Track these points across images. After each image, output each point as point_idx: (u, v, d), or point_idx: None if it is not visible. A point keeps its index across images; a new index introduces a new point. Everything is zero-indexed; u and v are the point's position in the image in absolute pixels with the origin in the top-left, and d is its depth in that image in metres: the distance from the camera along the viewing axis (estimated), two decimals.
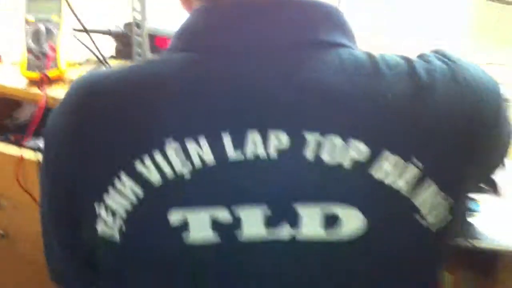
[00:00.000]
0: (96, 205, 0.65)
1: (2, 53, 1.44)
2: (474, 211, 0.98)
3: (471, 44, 1.21)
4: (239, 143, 0.61)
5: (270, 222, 0.61)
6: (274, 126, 0.61)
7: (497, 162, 0.77)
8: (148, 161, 0.62)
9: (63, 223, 0.72)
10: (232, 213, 0.61)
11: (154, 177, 0.62)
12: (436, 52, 0.69)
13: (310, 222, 0.61)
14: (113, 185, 0.63)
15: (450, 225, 0.66)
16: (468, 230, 0.96)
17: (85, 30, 1.32)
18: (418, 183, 0.62)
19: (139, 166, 0.62)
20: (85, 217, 0.67)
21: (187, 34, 0.69)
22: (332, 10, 0.68)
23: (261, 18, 0.66)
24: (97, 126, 0.65)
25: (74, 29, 1.34)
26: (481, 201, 0.99)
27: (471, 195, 0.98)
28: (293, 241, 0.62)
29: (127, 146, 0.63)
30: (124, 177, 0.62)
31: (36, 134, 1.27)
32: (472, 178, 0.69)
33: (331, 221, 0.61)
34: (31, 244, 1.40)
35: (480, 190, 0.98)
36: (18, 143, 1.30)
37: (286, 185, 0.62)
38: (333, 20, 0.68)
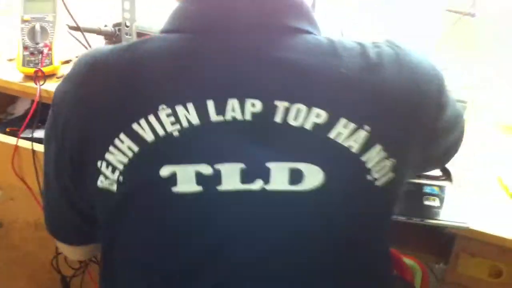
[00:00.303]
0: (98, 161, 0.76)
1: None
2: (432, 195, 1.08)
3: (432, 51, 1.32)
4: (221, 109, 0.73)
5: (246, 178, 0.73)
6: (250, 96, 0.74)
7: (447, 142, 0.89)
8: (143, 123, 0.73)
9: (67, 182, 0.83)
10: (214, 169, 0.73)
11: (147, 135, 0.73)
12: (387, 40, 0.81)
13: (279, 177, 0.73)
14: (113, 143, 0.74)
15: (393, 183, 0.78)
16: (427, 211, 1.06)
17: (79, 29, 1.40)
18: (366, 143, 0.74)
19: (135, 127, 0.73)
20: (87, 173, 0.77)
21: (178, 18, 0.81)
22: (300, 2, 0.81)
23: (240, 5, 0.78)
24: (100, 95, 0.77)
25: (68, 26, 1.43)
26: (440, 186, 1.09)
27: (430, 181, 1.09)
28: (263, 191, 0.73)
29: (126, 111, 0.75)
30: (122, 137, 0.74)
31: (30, 126, 1.35)
32: (417, 148, 0.80)
33: (296, 176, 0.73)
34: (25, 233, 1.48)
35: (436, 178, 1.09)
36: (13, 134, 1.37)
37: (259, 145, 0.74)
38: (301, 11, 0.81)
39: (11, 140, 1.34)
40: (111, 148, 0.75)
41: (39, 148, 1.30)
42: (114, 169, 0.75)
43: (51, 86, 1.35)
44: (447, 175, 1.11)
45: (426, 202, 1.07)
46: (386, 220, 0.84)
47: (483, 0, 1.33)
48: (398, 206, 1.02)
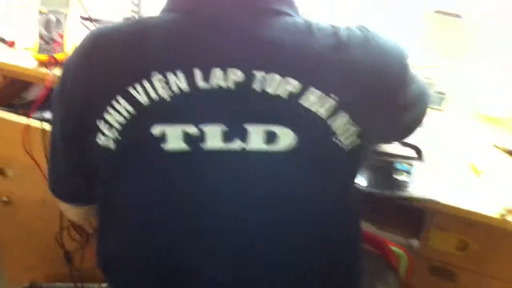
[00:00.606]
0: (98, 121, 0.87)
1: (16, 40, 1.63)
2: (403, 171, 1.18)
3: (420, 50, 1.42)
4: (206, 77, 0.84)
5: (226, 137, 0.84)
6: (232, 66, 0.84)
7: (412, 119, 1.01)
8: (138, 87, 0.84)
9: (72, 140, 0.94)
10: (198, 129, 0.84)
11: (142, 98, 0.84)
12: (358, 24, 0.92)
13: (256, 138, 0.84)
14: (112, 105, 0.85)
15: (358, 148, 0.88)
16: (398, 185, 1.15)
17: (91, 19, 1.52)
18: (334, 111, 0.85)
19: (132, 91, 0.85)
20: (88, 133, 0.88)
21: (173, 0, 0.92)
22: None
23: None
24: (101, 63, 0.89)
25: (81, 17, 1.54)
26: (410, 164, 1.18)
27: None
28: (242, 151, 0.84)
29: (123, 77, 0.86)
30: (120, 99, 0.85)
31: (42, 108, 1.45)
32: (380, 119, 0.91)
33: (271, 137, 0.84)
34: (33, 210, 1.58)
35: (408, 157, 1.17)
36: (25, 115, 1.46)
37: (239, 109, 0.85)
38: None
39: (22, 120, 1.44)
40: (109, 109, 0.85)
41: (49, 128, 1.38)
42: (112, 127, 0.86)
43: None
44: (418, 154, 1.19)
45: (397, 177, 1.16)
46: (351, 183, 0.95)
47: (469, 3, 1.43)
48: (371, 180, 1.12)
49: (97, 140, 0.87)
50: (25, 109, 1.54)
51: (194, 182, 0.86)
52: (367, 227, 1.24)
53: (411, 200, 1.13)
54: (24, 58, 1.54)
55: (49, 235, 1.56)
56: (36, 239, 1.64)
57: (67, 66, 0.94)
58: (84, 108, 0.89)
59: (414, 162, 1.19)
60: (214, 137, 0.84)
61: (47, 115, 1.45)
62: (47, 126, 1.40)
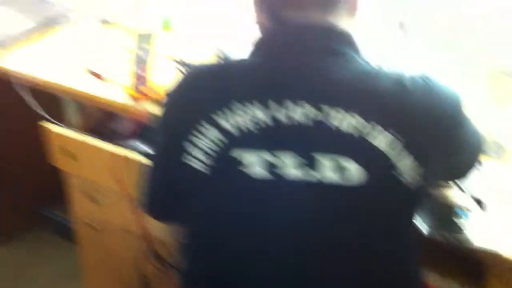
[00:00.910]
0: (185, 143, 1.00)
1: (104, 73, 1.77)
2: (463, 217, 1.23)
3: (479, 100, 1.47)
4: (279, 108, 0.96)
5: (299, 165, 0.95)
6: (302, 99, 0.96)
7: (465, 160, 1.11)
8: (220, 114, 0.98)
9: (166, 161, 1.07)
10: (273, 155, 0.96)
11: (224, 125, 0.98)
12: (422, 74, 1.02)
13: (327, 169, 0.95)
14: (197, 129, 0.99)
15: (422, 188, 0.98)
16: (458, 233, 1.20)
17: (181, 62, 1.67)
18: (400, 152, 0.95)
19: (214, 117, 0.98)
20: (178, 153, 1.01)
21: (257, 47, 1.07)
22: (348, 34, 1.04)
23: (298, 37, 1.03)
24: (191, 94, 1.06)
25: (173, 59, 1.72)
26: (470, 210, 1.23)
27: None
28: (319, 183, 0.95)
29: (208, 104, 1.01)
30: (204, 124, 0.98)
31: (131, 138, 1.58)
32: (440, 162, 1.01)
33: (339, 169, 0.94)
34: (117, 238, 1.67)
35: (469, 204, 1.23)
36: (115, 144, 1.57)
37: (307, 138, 0.96)
38: (348, 39, 1.04)
39: (112, 148, 1.53)
40: (195, 132, 0.99)
41: (137, 157, 1.49)
42: (196, 149, 0.99)
43: (150, 106, 1.60)
44: (479, 205, 1.23)
45: (457, 221, 1.21)
46: (410, 224, 1.05)
47: None
48: (430, 223, 1.20)
49: (184, 160, 1.00)
50: (114, 138, 1.66)
51: (274, 209, 0.97)
52: (427, 276, 1.28)
53: (471, 249, 1.17)
54: (114, 92, 1.68)
55: (130, 262, 1.65)
56: (118, 265, 1.73)
57: (167, 97, 1.11)
58: (175, 131, 1.04)
59: (475, 212, 1.22)
60: (289, 165, 0.95)
61: (135, 144, 1.58)
62: (135, 156, 1.49)
